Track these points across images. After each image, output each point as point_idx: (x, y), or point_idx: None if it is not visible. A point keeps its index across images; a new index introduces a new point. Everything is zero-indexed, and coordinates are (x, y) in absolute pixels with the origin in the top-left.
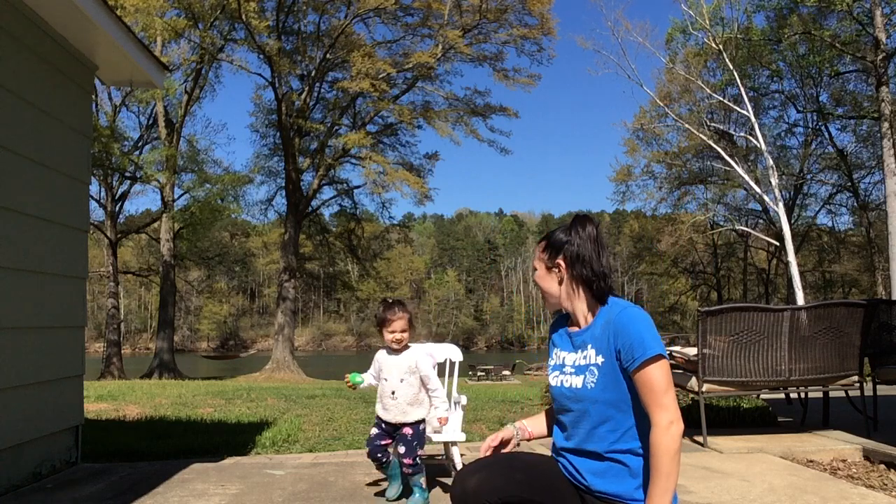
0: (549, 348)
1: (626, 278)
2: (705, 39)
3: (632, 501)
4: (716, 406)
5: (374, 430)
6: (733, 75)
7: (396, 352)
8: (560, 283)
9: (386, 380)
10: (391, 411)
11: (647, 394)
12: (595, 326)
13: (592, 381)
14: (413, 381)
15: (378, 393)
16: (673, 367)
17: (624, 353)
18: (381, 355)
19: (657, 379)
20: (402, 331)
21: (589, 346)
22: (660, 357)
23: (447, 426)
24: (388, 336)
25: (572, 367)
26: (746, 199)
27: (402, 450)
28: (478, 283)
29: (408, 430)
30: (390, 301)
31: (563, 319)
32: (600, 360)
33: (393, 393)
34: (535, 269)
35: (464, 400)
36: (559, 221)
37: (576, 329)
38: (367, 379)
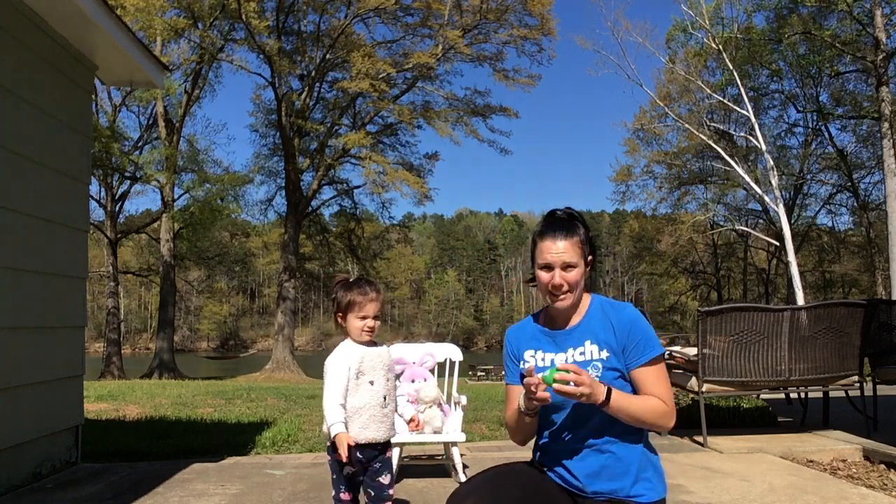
0: (516, 352)
1: (626, 278)
2: (705, 39)
3: (628, 498)
4: (716, 406)
5: (343, 497)
6: (733, 75)
7: (370, 343)
8: (585, 278)
9: (372, 382)
10: (381, 427)
11: (654, 386)
12: (591, 322)
13: (596, 376)
14: (393, 381)
15: (352, 405)
16: (673, 367)
17: (633, 349)
18: (357, 347)
19: (664, 373)
20: (376, 316)
21: (587, 343)
22: (663, 354)
23: (448, 426)
24: (356, 324)
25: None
26: (746, 199)
27: (386, 479)
28: (478, 283)
29: (390, 452)
30: (354, 279)
31: (528, 322)
32: (604, 355)
33: (385, 399)
34: (571, 267)
35: (464, 400)
36: None
37: (557, 329)
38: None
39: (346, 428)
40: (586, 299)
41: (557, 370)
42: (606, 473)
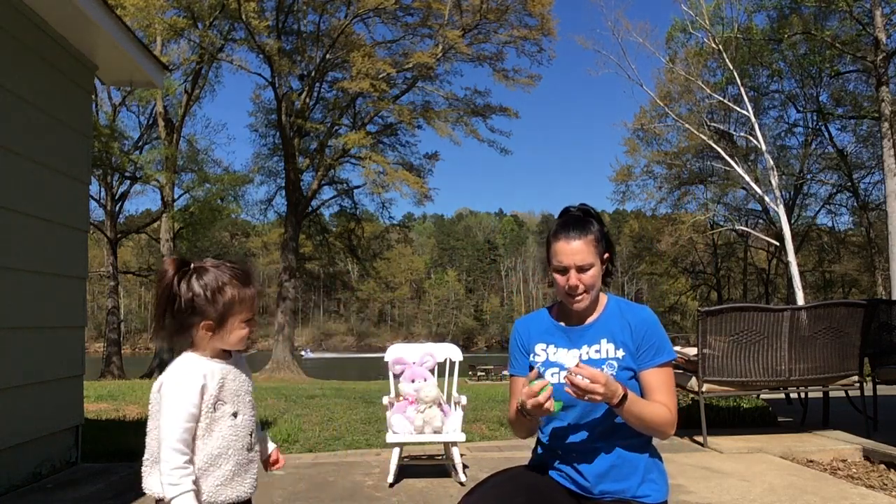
0: (526, 344)
1: (626, 278)
2: (705, 39)
3: (634, 498)
4: (716, 406)
5: None
6: (733, 75)
7: (226, 354)
8: (601, 277)
9: (235, 414)
10: (248, 479)
11: (660, 391)
12: (609, 320)
13: (611, 374)
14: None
15: (208, 451)
16: (673, 367)
17: (647, 350)
18: (211, 364)
19: (671, 380)
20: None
21: (603, 341)
22: (673, 360)
23: (448, 426)
24: (239, 332)
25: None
26: (746, 199)
27: None
28: (478, 283)
29: None
30: (240, 265)
31: (539, 316)
32: (620, 353)
33: (251, 438)
34: (586, 268)
35: (464, 400)
36: None
37: (572, 324)
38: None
39: (198, 493)
40: (602, 298)
41: (570, 372)
42: (615, 473)
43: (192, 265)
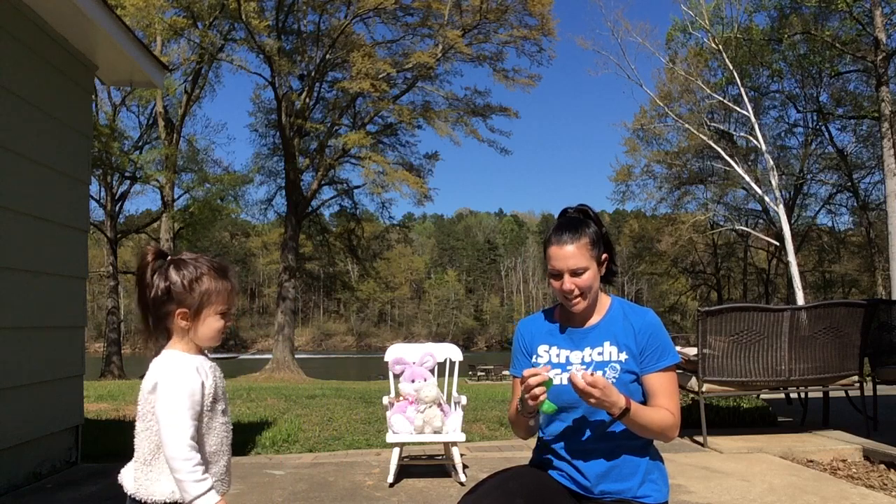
0: (528, 346)
1: (626, 278)
2: (705, 39)
3: (635, 499)
4: (716, 406)
5: None
6: (733, 75)
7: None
8: (598, 279)
9: (225, 411)
10: (228, 477)
11: (664, 395)
12: (613, 323)
13: (614, 377)
14: None
15: (215, 442)
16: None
17: (651, 354)
18: (202, 361)
19: (675, 383)
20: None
21: (606, 343)
22: (677, 364)
23: (448, 426)
24: (215, 325)
25: (582, 365)
26: (746, 199)
27: None
28: (478, 283)
29: None
30: (217, 259)
31: (542, 317)
32: (623, 356)
33: (229, 433)
34: (580, 272)
35: (464, 400)
36: None
37: (574, 326)
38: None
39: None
40: (606, 300)
41: (573, 369)
42: (615, 474)
43: (170, 257)
